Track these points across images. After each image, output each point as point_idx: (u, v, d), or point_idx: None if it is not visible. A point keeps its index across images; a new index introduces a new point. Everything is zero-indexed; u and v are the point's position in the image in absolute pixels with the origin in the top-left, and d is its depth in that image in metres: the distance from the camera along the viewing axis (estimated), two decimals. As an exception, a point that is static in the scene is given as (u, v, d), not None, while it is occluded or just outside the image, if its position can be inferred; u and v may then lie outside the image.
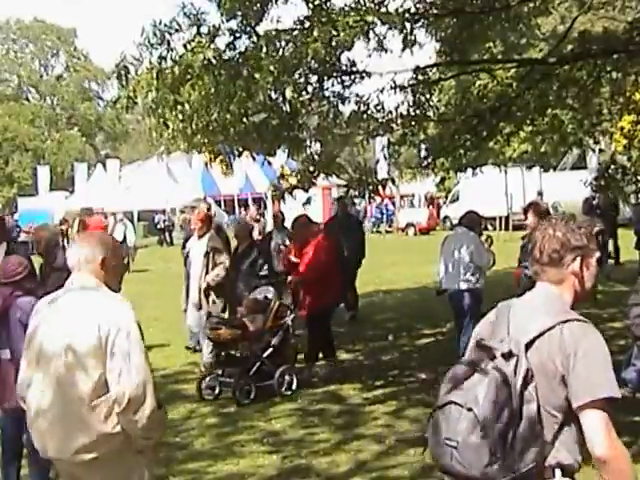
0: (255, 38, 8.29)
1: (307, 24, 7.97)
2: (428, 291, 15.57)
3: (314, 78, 8.96)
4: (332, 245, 10.09)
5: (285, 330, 9.14)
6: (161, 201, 39.74)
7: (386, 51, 8.55)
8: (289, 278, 9.82)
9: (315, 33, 7.47)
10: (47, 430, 3.75)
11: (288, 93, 7.86)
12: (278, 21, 8.24)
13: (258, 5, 8.13)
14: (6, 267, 5.96)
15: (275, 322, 9.06)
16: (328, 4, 8.27)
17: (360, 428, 7.46)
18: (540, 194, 27.81)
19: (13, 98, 75.46)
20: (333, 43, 7.69)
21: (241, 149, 9.69)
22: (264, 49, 7.82)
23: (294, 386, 8.89)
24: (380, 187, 11.32)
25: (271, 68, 7.52)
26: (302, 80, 8.49)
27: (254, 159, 10.59)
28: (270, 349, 8.93)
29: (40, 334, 3.81)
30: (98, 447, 3.67)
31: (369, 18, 7.57)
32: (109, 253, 3.85)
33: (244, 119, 8.65)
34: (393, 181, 11.65)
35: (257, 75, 7.61)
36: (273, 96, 8.60)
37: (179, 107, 7.98)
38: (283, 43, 7.89)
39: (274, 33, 7.98)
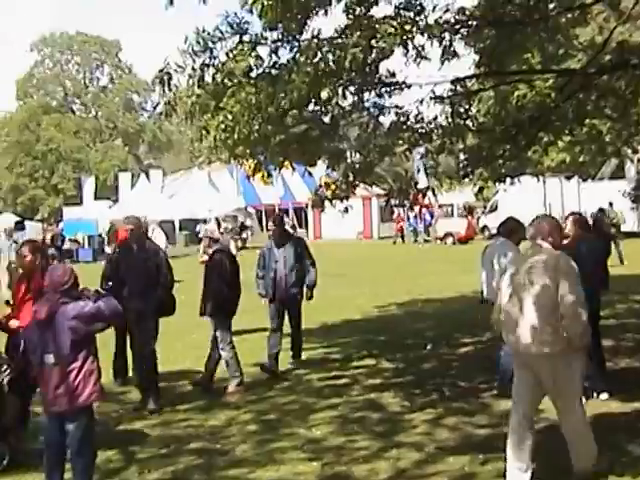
0: (296, 48, 8.41)
1: (347, 32, 8.06)
2: (467, 300, 15.60)
3: (353, 89, 9.03)
4: None
5: None
6: (203, 210, 40.02)
7: (425, 58, 8.58)
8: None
9: (354, 39, 7.56)
10: (524, 332, 5.78)
11: (324, 94, 7.93)
12: (318, 33, 8.34)
13: (299, 17, 8.24)
14: (53, 277, 6.10)
15: None
16: (368, 14, 8.35)
17: (400, 436, 7.48)
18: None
19: (58, 110, 76.70)
20: (372, 50, 7.77)
21: (282, 160, 9.81)
22: (304, 56, 7.93)
23: (5, 461, 6.98)
24: (420, 196, 11.42)
25: (309, 69, 7.63)
26: (340, 89, 8.58)
27: (294, 169, 10.69)
28: None
29: (516, 274, 5.95)
30: (554, 344, 5.69)
31: (408, 27, 7.64)
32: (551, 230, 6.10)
33: (285, 130, 8.77)
34: (433, 191, 11.69)
35: (295, 76, 7.72)
36: (312, 108, 8.74)
37: (221, 117, 8.10)
38: (324, 51, 7.97)
39: (315, 43, 8.08)
